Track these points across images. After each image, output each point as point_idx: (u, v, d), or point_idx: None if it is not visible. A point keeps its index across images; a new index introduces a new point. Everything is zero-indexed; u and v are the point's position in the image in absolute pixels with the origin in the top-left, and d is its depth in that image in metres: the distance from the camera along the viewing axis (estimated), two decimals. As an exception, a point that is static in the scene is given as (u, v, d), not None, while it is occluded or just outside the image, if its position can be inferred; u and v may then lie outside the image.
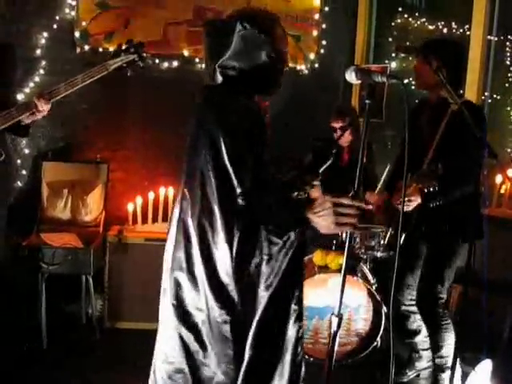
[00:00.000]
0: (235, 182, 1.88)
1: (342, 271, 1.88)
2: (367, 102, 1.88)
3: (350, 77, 1.93)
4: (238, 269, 1.92)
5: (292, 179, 2.18)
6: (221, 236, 1.90)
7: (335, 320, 1.89)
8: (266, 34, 2.05)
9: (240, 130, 1.93)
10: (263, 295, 1.94)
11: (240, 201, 1.88)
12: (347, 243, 1.90)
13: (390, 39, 5.44)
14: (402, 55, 5.00)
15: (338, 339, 1.91)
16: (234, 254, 1.89)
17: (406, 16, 5.42)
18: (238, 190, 1.88)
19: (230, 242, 1.89)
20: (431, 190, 3.04)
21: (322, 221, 1.85)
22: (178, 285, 2.03)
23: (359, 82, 1.93)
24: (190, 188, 2.00)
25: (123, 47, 3.37)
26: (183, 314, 2.02)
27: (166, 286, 2.08)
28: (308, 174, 1.95)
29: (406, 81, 5.24)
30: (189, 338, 2.01)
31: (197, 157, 1.96)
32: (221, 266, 1.94)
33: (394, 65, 5.23)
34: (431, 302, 3.37)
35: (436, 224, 3.27)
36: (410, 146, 3.36)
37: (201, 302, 1.99)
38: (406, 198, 3.16)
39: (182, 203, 2.05)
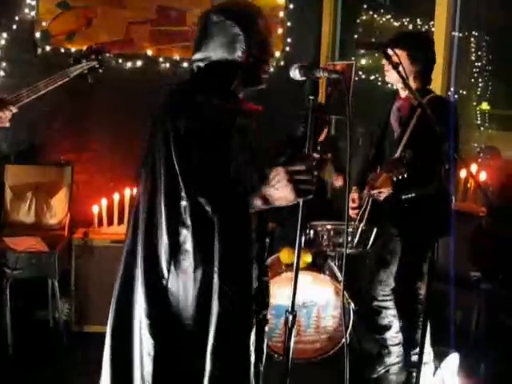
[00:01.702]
0: (181, 184, 1.90)
1: (294, 267, 1.85)
2: (311, 98, 1.87)
3: (294, 74, 1.93)
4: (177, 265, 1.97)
5: (290, 158, 2.12)
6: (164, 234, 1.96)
7: (289, 317, 1.89)
8: (242, 26, 2.00)
9: (191, 131, 1.90)
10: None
11: (184, 202, 1.91)
12: (298, 238, 1.85)
13: (356, 36, 5.46)
14: (362, 51, 5.02)
15: (293, 337, 1.90)
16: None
17: (371, 13, 5.45)
18: (183, 193, 1.91)
19: (170, 240, 1.95)
20: (400, 177, 3.02)
21: (280, 193, 1.82)
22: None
23: (303, 78, 1.91)
24: (144, 186, 2.02)
25: (83, 52, 3.31)
26: None
27: None
28: (303, 148, 1.92)
29: (372, 77, 5.29)
30: None
31: (150, 156, 1.98)
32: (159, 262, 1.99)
33: (363, 61, 5.25)
34: (411, 299, 3.38)
35: (409, 220, 3.26)
36: (380, 142, 3.43)
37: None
38: (377, 190, 3.17)
39: (137, 202, 2.06)
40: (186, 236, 1.96)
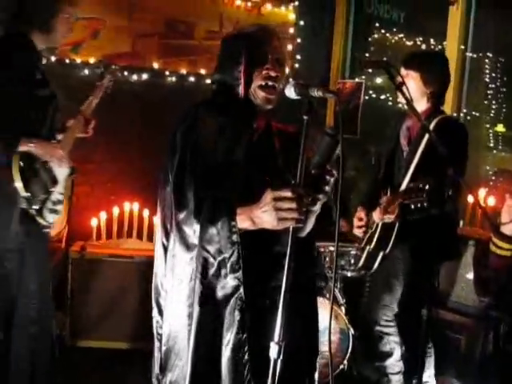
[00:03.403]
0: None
1: (281, 298, 1.74)
2: (305, 117, 1.80)
3: (289, 92, 1.87)
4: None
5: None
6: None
7: (275, 347, 1.74)
8: (245, 44, 2.05)
9: (179, 146, 1.98)
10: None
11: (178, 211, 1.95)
12: (287, 268, 1.76)
13: (367, 54, 5.39)
14: (370, 71, 4.95)
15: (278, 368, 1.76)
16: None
17: (383, 31, 5.38)
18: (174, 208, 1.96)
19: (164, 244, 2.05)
20: (418, 206, 2.94)
21: (265, 217, 1.81)
22: None
23: (299, 97, 1.85)
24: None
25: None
26: None
27: None
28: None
29: (382, 96, 5.21)
30: None
31: None
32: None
33: (378, 80, 5.17)
34: (415, 326, 3.25)
35: (414, 243, 3.19)
36: (389, 162, 3.34)
37: None
38: (387, 214, 3.08)
39: None
40: (175, 241, 2.00)
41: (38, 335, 3.06)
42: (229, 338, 1.92)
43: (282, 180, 2.03)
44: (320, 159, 1.86)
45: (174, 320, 2.05)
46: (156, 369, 2.12)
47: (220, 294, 1.92)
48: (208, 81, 4.38)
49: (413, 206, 2.94)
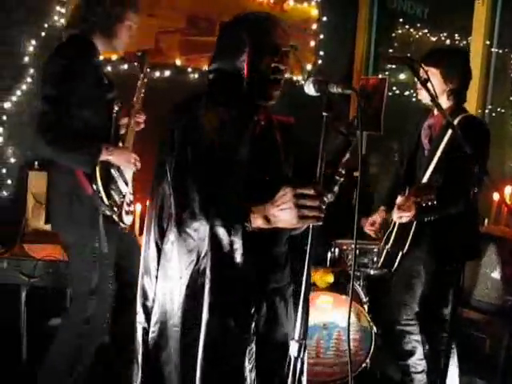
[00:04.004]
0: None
1: (301, 298, 1.72)
2: (325, 114, 1.76)
3: (309, 89, 1.84)
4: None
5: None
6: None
7: (295, 345, 1.72)
8: (248, 31, 1.91)
9: (178, 143, 1.90)
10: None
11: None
12: (307, 269, 1.74)
13: (391, 50, 5.34)
14: (393, 66, 4.90)
15: (299, 365, 1.74)
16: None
17: (407, 27, 5.32)
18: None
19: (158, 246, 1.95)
20: (429, 204, 2.92)
21: (284, 215, 1.74)
22: None
23: (318, 94, 1.82)
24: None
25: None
26: None
27: None
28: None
29: (406, 93, 5.15)
30: None
31: None
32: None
33: (402, 76, 5.13)
34: (436, 325, 3.25)
35: (435, 242, 3.16)
36: (411, 160, 3.32)
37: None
38: (401, 213, 3.05)
39: None
40: (173, 243, 1.91)
41: None
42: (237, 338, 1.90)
43: (282, 174, 2.00)
44: (332, 158, 1.84)
45: (164, 332, 1.96)
46: (138, 378, 2.02)
47: (228, 297, 1.87)
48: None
49: (424, 205, 2.93)
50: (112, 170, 2.97)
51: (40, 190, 4.25)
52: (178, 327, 1.91)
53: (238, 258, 1.82)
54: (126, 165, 3.03)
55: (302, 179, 1.79)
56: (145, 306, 2.03)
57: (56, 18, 4.37)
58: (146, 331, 2.01)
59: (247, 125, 1.97)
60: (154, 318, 1.99)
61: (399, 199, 3.09)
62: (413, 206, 2.99)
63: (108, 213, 2.95)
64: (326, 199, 1.77)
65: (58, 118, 2.77)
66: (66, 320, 3.26)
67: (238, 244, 1.81)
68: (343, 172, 1.86)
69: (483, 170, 2.54)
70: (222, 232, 1.81)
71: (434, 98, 2.65)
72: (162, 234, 1.95)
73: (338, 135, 1.80)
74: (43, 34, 4.34)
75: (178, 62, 4.65)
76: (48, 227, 4.19)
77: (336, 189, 1.88)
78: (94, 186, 2.85)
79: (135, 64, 3.43)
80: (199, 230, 1.85)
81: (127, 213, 3.08)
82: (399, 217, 3.08)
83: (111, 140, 3.00)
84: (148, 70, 3.40)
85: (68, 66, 2.83)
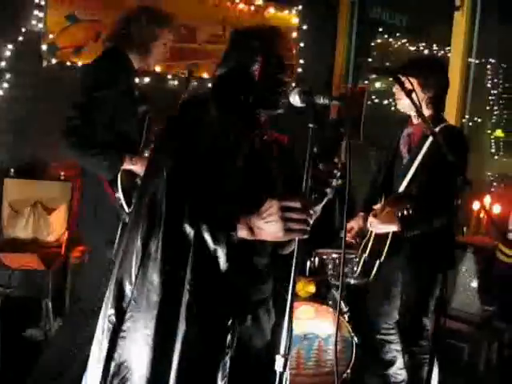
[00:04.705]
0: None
1: (288, 306, 1.68)
2: (311, 126, 1.73)
3: (294, 99, 1.82)
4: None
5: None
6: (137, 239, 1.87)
7: (280, 360, 1.67)
8: (260, 42, 1.94)
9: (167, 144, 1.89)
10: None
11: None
12: (293, 280, 1.69)
13: (370, 59, 5.38)
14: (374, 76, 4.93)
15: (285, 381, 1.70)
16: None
17: (386, 36, 5.36)
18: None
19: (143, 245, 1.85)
20: (405, 213, 2.92)
21: (269, 227, 1.72)
22: None
23: (303, 105, 1.80)
24: None
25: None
26: None
27: None
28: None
29: (385, 102, 5.18)
30: None
31: None
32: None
33: (378, 85, 5.16)
34: (416, 334, 3.23)
35: (413, 252, 3.14)
36: (389, 168, 3.33)
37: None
38: (381, 225, 3.06)
39: None
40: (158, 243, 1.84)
41: None
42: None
43: (273, 189, 1.98)
44: (326, 152, 1.81)
45: (138, 335, 1.86)
46: (93, 377, 1.91)
47: (210, 311, 1.83)
48: (210, 85, 4.33)
49: (400, 215, 2.93)
50: (137, 180, 2.99)
51: (16, 198, 4.20)
52: (151, 333, 1.83)
53: (221, 266, 1.79)
54: None
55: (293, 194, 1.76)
56: (120, 307, 1.90)
57: (34, 22, 4.31)
58: (115, 331, 1.89)
59: (247, 135, 1.97)
60: (128, 322, 1.89)
61: (375, 207, 3.09)
62: (392, 217, 2.99)
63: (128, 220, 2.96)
64: (325, 194, 1.79)
65: (84, 123, 2.85)
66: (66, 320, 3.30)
67: (222, 252, 1.79)
68: (339, 165, 1.84)
69: (467, 180, 2.54)
70: (206, 238, 1.78)
71: (418, 109, 2.65)
72: (149, 233, 1.88)
73: (328, 128, 1.78)
74: (21, 38, 4.28)
75: (158, 69, 4.60)
76: (24, 236, 4.17)
77: (335, 183, 1.85)
78: (116, 194, 2.93)
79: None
80: (185, 232, 1.80)
81: None
82: (375, 227, 3.09)
83: (140, 150, 3.04)
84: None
85: (99, 76, 2.96)
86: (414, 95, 2.67)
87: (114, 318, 1.89)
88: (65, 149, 2.88)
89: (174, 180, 1.83)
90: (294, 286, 1.70)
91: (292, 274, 1.69)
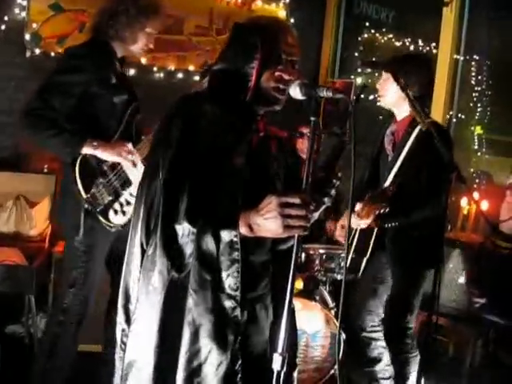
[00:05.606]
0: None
1: (286, 304, 1.66)
2: (313, 119, 1.70)
3: (295, 92, 1.78)
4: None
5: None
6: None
7: (278, 359, 1.65)
8: (260, 36, 1.87)
9: (175, 141, 1.83)
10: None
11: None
12: (291, 278, 1.69)
13: (356, 54, 5.36)
14: (368, 70, 4.92)
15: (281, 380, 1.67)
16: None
17: (372, 31, 5.35)
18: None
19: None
20: (381, 211, 2.95)
21: (268, 224, 1.69)
22: None
23: (304, 98, 1.76)
24: None
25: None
26: None
27: None
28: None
29: (371, 97, 5.17)
30: None
31: None
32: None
33: (359, 80, 5.14)
34: (400, 332, 3.22)
35: (399, 249, 3.15)
36: (374, 165, 3.32)
37: None
38: (359, 219, 3.07)
39: None
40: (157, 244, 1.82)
41: None
42: (219, 359, 1.80)
43: (272, 186, 1.96)
44: (327, 160, 1.79)
45: (143, 336, 1.87)
46: (117, 379, 1.97)
47: (213, 314, 1.79)
48: (196, 78, 4.31)
49: (377, 212, 2.96)
50: (104, 166, 2.93)
51: (-2, 190, 4.13)
52: (155, 334, 1.84)
53: (221, 265, 1.76)
54: (116, 159, 2.95)
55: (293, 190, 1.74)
56: (126, 308, 1.95)
57: (17, 10, 4.22)
58: (125, 333, 1.94)
59: (246, 133, 1.93)
60: (134, 323, 1.91)
61: (357, 206, 3.09)
62: (371, 213, 3.00)
63: (87, 206, 2.90)
64: (312, 208, 1.73)
65: (41, 105, 2.80)
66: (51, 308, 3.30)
67: (224, 250, 1.76)
68: (340, 175, 1.81)
69: (461, 177, 2.55)
70: (208, 237, 1.75)
71: (413, 104, 2.64)
72: (148, 234, 1.87)
73: (331, 137, 1.74)
74: (3, 27, 4.19)
75: (144, 61, 4.53)
76: (6, 230, 4.09)
77: (333, 192, 1.82)
78: (73, 178, 2.87)
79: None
80: (184, 232, 1.79)
81: (116, 212, 2.99)
82: (357, 223, 3.09)
83: (115, 138, 2.97)
84: None
85: (69, 62, 2.92)
86: (400, 90, 2.67)
87: (122, 320, 1.93)
88: (21, 129, 2.87)
89: (171, 179, 1.80)
90: (293, 283, 1.68)
91: (291, 270, 1.67)
